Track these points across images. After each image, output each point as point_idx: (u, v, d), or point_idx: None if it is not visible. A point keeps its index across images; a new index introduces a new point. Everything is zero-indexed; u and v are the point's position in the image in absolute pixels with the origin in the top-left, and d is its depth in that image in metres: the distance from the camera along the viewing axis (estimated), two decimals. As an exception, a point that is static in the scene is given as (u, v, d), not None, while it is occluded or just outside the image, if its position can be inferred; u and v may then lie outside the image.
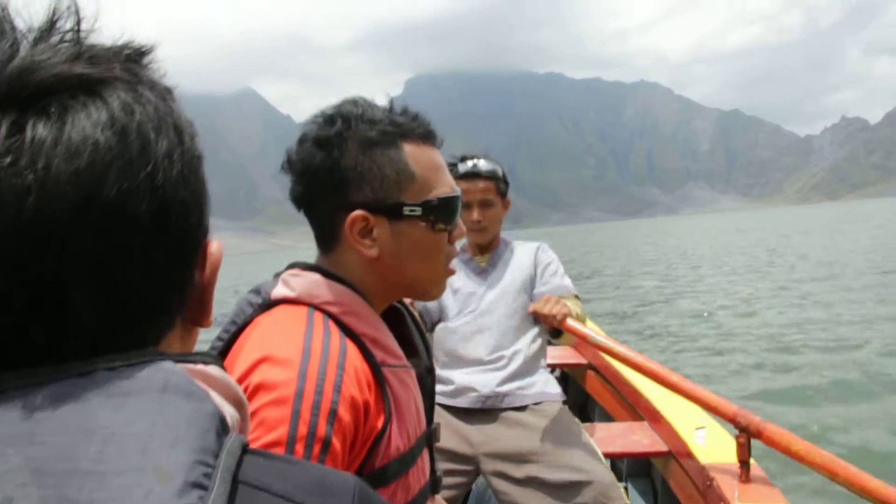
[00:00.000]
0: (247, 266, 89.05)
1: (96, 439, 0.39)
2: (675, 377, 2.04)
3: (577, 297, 2.36)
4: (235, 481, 0.42)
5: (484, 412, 2.26)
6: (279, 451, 0.86)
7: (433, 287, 1.15)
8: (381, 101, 1.11)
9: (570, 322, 2.10)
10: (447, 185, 1.10)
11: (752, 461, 1.89)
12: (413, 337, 1.21)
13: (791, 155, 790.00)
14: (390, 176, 1.05)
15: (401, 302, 1.23)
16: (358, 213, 1.05)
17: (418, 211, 1.06)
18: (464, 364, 2.31)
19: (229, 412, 0.47)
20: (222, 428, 0.44)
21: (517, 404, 2.25)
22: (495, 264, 2.41)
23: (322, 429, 0.90)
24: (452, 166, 2.25)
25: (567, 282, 2.39)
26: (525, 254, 2.44)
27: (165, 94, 0.49)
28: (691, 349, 9.37)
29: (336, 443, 0.91)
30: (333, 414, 0.92)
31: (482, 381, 2.26)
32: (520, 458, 2.11)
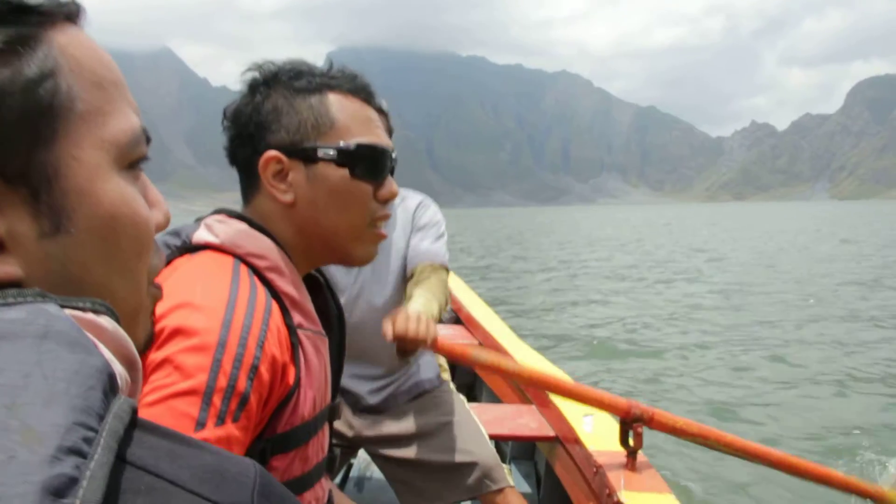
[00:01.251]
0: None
1: None
2: (565, 383, 2.00)
3: (445, 268, 2.09)
4: (121, 458, 0.35)
5: (366, 410, 2.12)
6: (194, 399, 0.83)
7: (355, 245, 1.08)
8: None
9: (443, 343, 1.81)
10: (373, 136, 1.06)
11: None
12: (329, 309, 1.18)
13: (702, 154, 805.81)
14: (308, 120, 1.03)
15: (321, 273, 1.19)
16: (271, 153, 1.03)
17: (332, 153, 1.03)
18: None
19: (119, 371, 0.41)
20: (111, 387, 0.37)
21: (399, 402, 2.12)
22: None
23: (242, 384, 0.86)
24: None
25: (439, 246, 2.10)
26: (404, 216, 2.12)
27: None
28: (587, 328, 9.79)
29: (253, 400, 0.88)
30: (255, 370, 0.88)
31: (359, 387, 2.10)
32: (401, 442, 2.04)
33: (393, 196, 1.09)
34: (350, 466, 2.31)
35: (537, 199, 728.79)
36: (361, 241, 1.08)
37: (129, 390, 0.44)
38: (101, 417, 0.34)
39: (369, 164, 1.05)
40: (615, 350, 8.31)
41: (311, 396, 1.01)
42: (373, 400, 2.08)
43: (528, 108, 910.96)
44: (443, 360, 2.30)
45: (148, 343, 0.55)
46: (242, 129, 1.06)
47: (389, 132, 1.72)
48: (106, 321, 0.43)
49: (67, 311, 0.40)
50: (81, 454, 0.32)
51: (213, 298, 0.90)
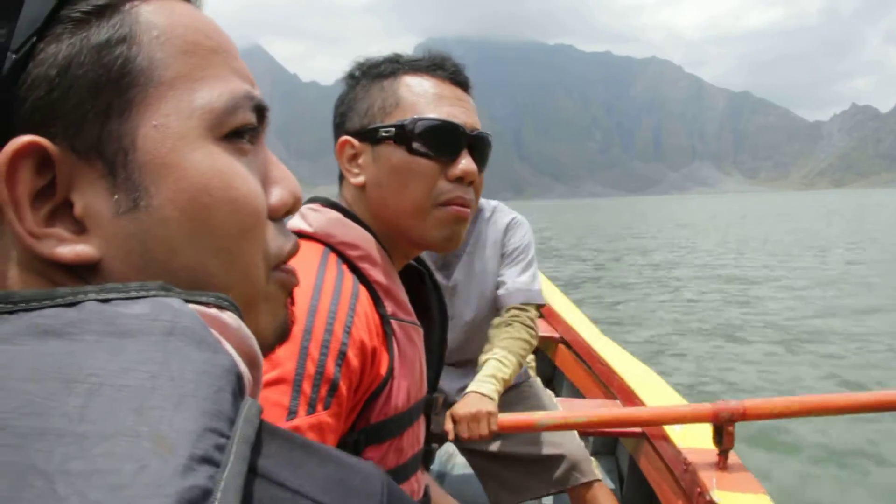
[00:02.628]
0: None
1: (79, 390, 0.30)
2: (645, 413, 2.00)
3: (538, 308, 2.12)
4: (251, 468, 0.33)
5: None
6: (284, 388, 0.84)
7: (426, 227, 1.04)
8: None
9: (506, 422, 1.85)
10: (441, 112, 1.03)
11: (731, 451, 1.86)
12: (431, 302, 1.17)
13: (799, 140, 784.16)
14: (376, 102, 1.05)
15: (423, 263, 1.19)
16: (344, 138, 1.06)
17: (392, 132, 1.02)
18: None
19: (244, 371, 0.38)
20: (239, 388, 0.35)
21: None
22: (460, 255, 2.14)
23: (331, 370, 0.86)
24: None
25: (528, 279, 2.12)
26: (494, 236, 2.16)
27: None
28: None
29: (343, 387, 0.88)
30: (343, 356, 0.88)
31: (447, 386, 2.09)
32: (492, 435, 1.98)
33: (466, 175, 1.03)
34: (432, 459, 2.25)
35: (628, 188, 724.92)
36: (432, 222, 1.03)
37: (251, 391, 0.41)
38: (232, 422, 0.33)
39: (430, 139, 1.01)
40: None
41: (406, 387, 1.00)
42: (458, 397, 2.04)
43: (618, 95, 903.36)
44: (529, 356, 2.25)
45: (282, 337, 0.52)
46: (334, 120, 1.10)
47: None
48: (230, 317, 0.41)
49: (191, 306, 0.38)
50: (214, 463, 0.30)
51: (299, 287, 0.82)
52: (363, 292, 0.96)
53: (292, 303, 0.54)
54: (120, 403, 0.30)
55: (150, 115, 0.43)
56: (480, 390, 1.86)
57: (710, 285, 12.88)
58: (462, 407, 1.80)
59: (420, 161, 1.01)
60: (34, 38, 0.40)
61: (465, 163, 1.03)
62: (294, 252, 0.53)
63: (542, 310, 3.64)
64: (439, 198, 1.03)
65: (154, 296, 0.37)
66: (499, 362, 1.94)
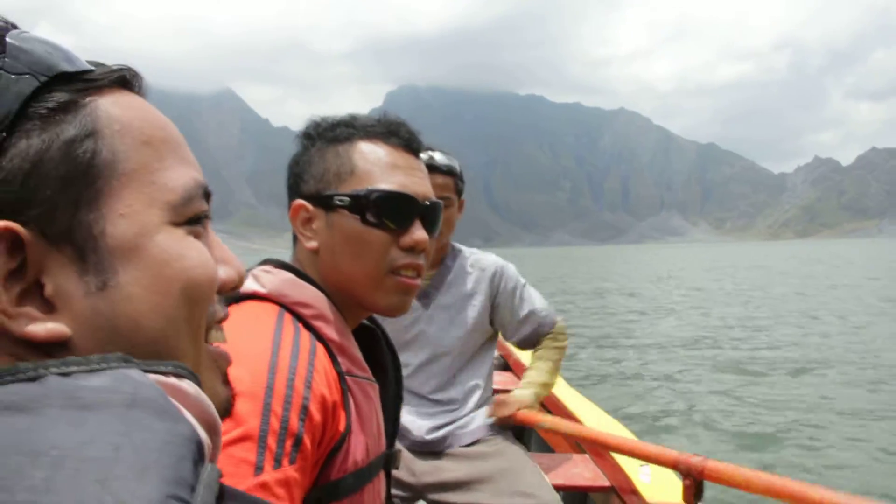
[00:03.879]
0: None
1: (43, 463, 0.31)
2: (623, 441, 1.99)
3: (561, 331, 2.27)
4: None
5: (425, 450, 2.14)
6: (249, 445, 0.83)
7: (376, 294, 1.07)
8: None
9: (523, 416, 2.08)
10: (393, 183, 1.05)
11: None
12: (385, 360, 1.19)
13: (764, 191, 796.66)
14: (331, 169, 1.06)
15: (376, 323, 1.21)
16: (298, 202, 1.07)
17: (346, 201, 1.03)
18: None
19: (203, 437, 0.40)
20: (199, 455, 0.36)
21: (459, 444, 2.13)
22: (439, 286, 2.16)
23: (294, 424, 0.87)
24: None
25: (544, 311, 2.25)
26: (478, 277, 2.19)
27: None
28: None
29: (307, 441, 0.88)
30: (305, 410, 0.89)
31: (418, 425, 2.12)
32: (465, 487, 2.02)
33: (417, 245, 1.06)
34: None
35: (596, 237, 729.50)
36: (383, 290, 1.06)
37: (212, 455, 0.43)
38: (193, 488, 0.34)
39: (384, 210, 1.03)
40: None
41: (364, 442, 1.01)
42: (430, 437, 2.10)
43: (587, 146, 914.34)
44: None
45: (227, 410, 0.55)
46: (288, 180, 1.12)
47: (455, 179, 2.03)
48: (188, 385, 0.42)
49: (151, 377, 0.39)
50: None
51: (258, 346, 0.91)
52: (321, 348, 0.98)
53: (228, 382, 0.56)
54: (83, 475, 0.31)
55: (115, 205, 0.45)
56: (517, 395, 2.13)
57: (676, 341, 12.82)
58: (509, 398, 2.11)
59: (373, 231, 1.03)
60: (3, 134, 0.42)
61: (419, 234, 1.06)
62: (224, 318, 0.56)
63: (510, 362, 4.07)
64: (392, 265, 1.05)
65: (115, 367, 0.38)
66: (537, 373, 2.17)
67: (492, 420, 2.19)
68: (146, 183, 0.47)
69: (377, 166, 1.05)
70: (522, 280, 2.24)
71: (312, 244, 1.07)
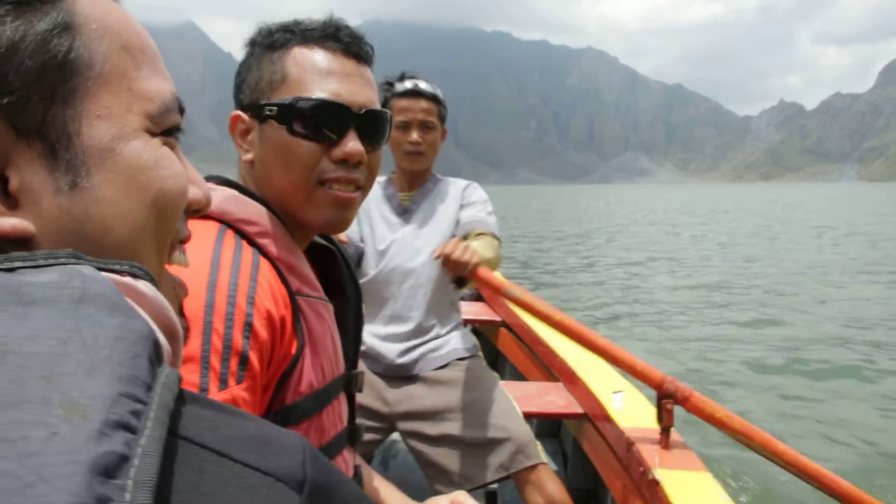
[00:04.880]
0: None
1: None
2: (599, 339, 1.92)
3: (495, 237, 2.14)
4: (171, 432, 0.32)
5: (398, 374, 2.13)
6: (192, 366, 0.79)
7: (306, 208, 1.00)
8: None
9: (483, 272, 1.86)
10: (325, 91, 0.98)
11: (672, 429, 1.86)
12: (343, 278, 1.14)
13: (729, 133, 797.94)
14: (265, 77, 1.01)
15: (332, 241, 1.16)
16: (235, 113, 1.03)
17: (274, 111, 0.98)
18: (370, 323, 2.11)
19: (161, 340, 0.37)
20: (156, 355, 0.34)
21: (430, 367, 2.12)
22: (420, 203, 2.18)
23: (238, 342, 0.83)
24: (389, 85, 2.10)
25: (491, 219, 2.17)
26: (453, 192, 2.21)
27: None
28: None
29: (254, 359, 0.84)
30: (249, 327, 0.84)
31: (390, 349, 2.11)
32: (436, 417, 2.02)
33: (350, 157, 0.99)
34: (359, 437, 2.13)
35: (562, 176, 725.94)
36: (313, 203, 1.00)
37: (171, 361, 0.41)
38: (149, 388, 0.32)
39: (311, 120, 0.97)
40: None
41: (319, 364, 0.97)
42: (402, 360, 2.09)
43: (554, 84, 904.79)
44: (474, 338, 2.32)
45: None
46: (234, 91, 1.06)
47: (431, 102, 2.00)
48: (145, 286, 0.40)
49: (104, 274, 0.37)
50: (130, 429, 0.29)
51: (197, 262, 0.85)
52: (265, 264, 0.93)
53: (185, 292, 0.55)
54: (27, 371, 0.29)
55: (92, 105, 0.44)
56: (475, 245, 1.92)
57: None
58: (454, 240, 1.89)
59: (301, 143, 0.98)
60: None
61: (351, 145, 0.99)
62: (187, 238, 0.54)
63: (484, 294, 3.82)
64: (321, 177, 0.99)
65: (63, 264, 0.36)
66: (480, 244, 1.97)
67: (472, 343, 2.22)
68: (123, 88, 0.46)
69: (310, 73, 0.99)
70: (488, 199, 2.24)
71: (248, 156, 1.03)
